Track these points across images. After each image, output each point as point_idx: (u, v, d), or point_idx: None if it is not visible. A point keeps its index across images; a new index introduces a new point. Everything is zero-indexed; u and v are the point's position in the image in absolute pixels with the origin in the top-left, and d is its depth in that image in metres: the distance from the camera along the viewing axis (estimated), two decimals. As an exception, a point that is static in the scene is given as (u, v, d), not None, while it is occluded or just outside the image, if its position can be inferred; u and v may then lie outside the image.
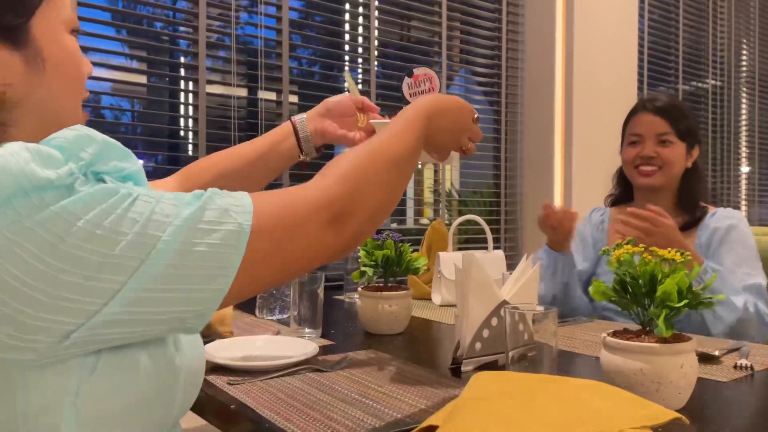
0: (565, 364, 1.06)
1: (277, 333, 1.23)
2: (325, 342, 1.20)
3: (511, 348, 0.85)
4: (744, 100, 4.65)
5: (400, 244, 1.34)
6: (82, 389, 0.51)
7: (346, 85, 1.19)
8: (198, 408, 0.87)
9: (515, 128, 3.16)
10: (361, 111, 1.10)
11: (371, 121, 1.10)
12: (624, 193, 1.71)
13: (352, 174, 0.64)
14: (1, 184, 0.46)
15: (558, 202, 3.05)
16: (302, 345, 1.09)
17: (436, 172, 2.98)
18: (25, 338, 0.48)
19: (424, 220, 3.11)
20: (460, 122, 0.86)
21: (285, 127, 1.07)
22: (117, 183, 0.52)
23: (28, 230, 0.46)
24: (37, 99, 0.61)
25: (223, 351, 1.03)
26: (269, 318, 1.44)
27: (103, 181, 0.52)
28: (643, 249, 0.84)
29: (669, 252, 0.82)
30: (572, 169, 3.01)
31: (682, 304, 0.78)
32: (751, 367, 0.98)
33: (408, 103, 0.98)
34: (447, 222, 2.88)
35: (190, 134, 2.23)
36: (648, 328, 0.84)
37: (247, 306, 1.50)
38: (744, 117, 4.65)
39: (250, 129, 2.32)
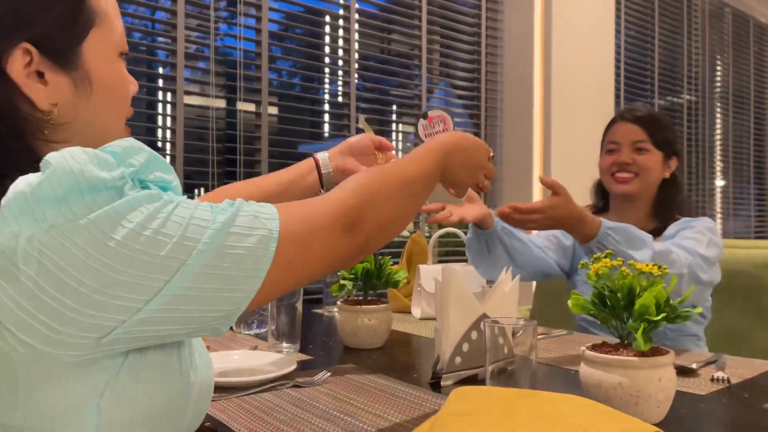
0: (545, 377, 1.06)
1: (255, 348, 1.22)
2: (304, 357, 1.18)
3: (490, 362, 0.85)
4: (718, 115, 4.74)
5: (380, 257, 1.34)
6: (107, 391, 0.53)
7: (360, 124, 1.26)
8: (172, 426, 0.85)
9: (494, 141, 3.18)
10: (379, 150, 1.16)
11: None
12: (603, 203, 1.71)
13: (367, 187, 0.69)
14: (61, 181, 0.49)
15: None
16: (280, 360, 1.08)
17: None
18: (69, 333, 0.50)
19: (404, 232, 3.10)
20: (476, 159, 0.92)
21: (308, 162, 1.12)
22: (160, 191, 0.55)
23: (81, 228, 0.49)
24: (84, 119, 0.64)
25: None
26: (246, 332, 1.42)
27: (148, 188, 0.55)
28: (621, 262, 0.85)
29: (646, 266, 0.82)
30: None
31: (660, 317, 0.78)
32: (728, 380, 0.99)
33: (422, 142, 1.06)
34: (427, 234, 2.88)
35: (168, 145, 2.20)
36: (626, 342, 0.84)
37: (224, 320, 1.47)
38: (719, 131, 4.74)
39: (229, 140, 2.30)
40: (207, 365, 0.67)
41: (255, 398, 0.91)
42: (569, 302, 0.87)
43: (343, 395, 0.93)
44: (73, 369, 0.51)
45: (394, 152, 1.18)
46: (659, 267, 0.82)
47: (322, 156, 1.12)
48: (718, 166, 4.71)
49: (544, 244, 1.65)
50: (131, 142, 0.57)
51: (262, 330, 1.42)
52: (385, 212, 0.69)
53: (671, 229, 1.49)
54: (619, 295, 0.83)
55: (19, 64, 0.59)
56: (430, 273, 1.67)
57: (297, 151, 2.66)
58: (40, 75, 0.61)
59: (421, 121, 1.13)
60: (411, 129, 3.06)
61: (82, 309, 0.49)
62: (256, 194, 1.06)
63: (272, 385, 0.96)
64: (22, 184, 0.50)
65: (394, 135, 3.09)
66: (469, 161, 0.91)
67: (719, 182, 4.73)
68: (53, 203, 0.49)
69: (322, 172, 1.10)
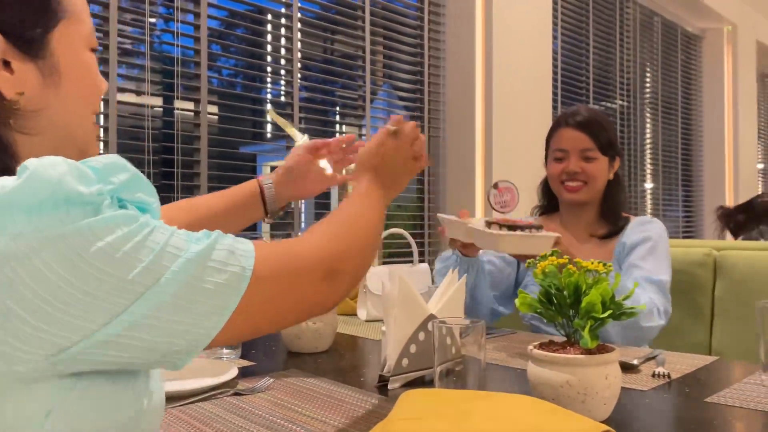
0: (493, 377, 1.05)
1: (193, 355, 1.16)
2: (245, 363, 1.14)
3: (439, 363, 0.83)
4: (648, 121, 4.94)
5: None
6: (54, 412, 0.51)
7: (269, 118, 1.27)
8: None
9: (437, 142, 3.20)
10: (318, 155, 1.13)
11: (440, 216, 1.27)
12: (550, 203, 1.73)
13: (346, 235, 0.71)
14: (36, 189, 0.48)
15: (479, 212, 3.10)
16: (219, 367, 1.03)
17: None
18: (21, 348, 0.47)
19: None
20: (402, 159, 0.94)
21: (252, 187, 1.10)
22: (137, 212, 0.53)
23: (50, 241, 0.47)
24: (53, 110, 0.63)
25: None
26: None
27: (126, 208, 0.53)
28: (567, 260, 0.85)
29: (592, 263, 0.82)
30: (492, 181, 3.07)
31: (606, 314, 0.78)
32: (669, 375, 1.01)
33: (493, 209, 1.27)
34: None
35: (101, 145, 2.10)
36: (573, 339, 0.84)
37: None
38: (648, 136, 4.93)
39: (166, 140, 2.21)
40: (160, 388, 0.64)
41: (193, 408, 0.86)
42: (516, 301, 0.87)
43: (286, 402, 0.90)
44: (20, 385, 0.49)
45: (335, 145, 1.16)
46: (604, 265, 0.82)
47: (266, 183, 1.10)
48: (648, 169, 4.90)
49: (492, 267, 1.65)
50: (114, 159, 0.55)
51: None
52: (359, 260, 0.72)
53: (631, 236, 1.53)
54: (565, 292, 0.83)
55: None
56: (375, 274, 1.65)
57: (238, 151, 2.59)
58: (6, 64, 0.59)
59: (492, 191, 1.29)
60: (354, 130, 3.03)
61: (38, 324, 0.47)
62: (203, 215, 1.04)
63: (211, 393, 0.92)
64: None
65: (337, 136, 3.06)
66: (398, 168, 0.93)
67: (648, 185, 4.92)
68: (25, 211, 0.47)
69: (267, 200, 1.10)
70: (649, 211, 4.92)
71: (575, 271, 0.82)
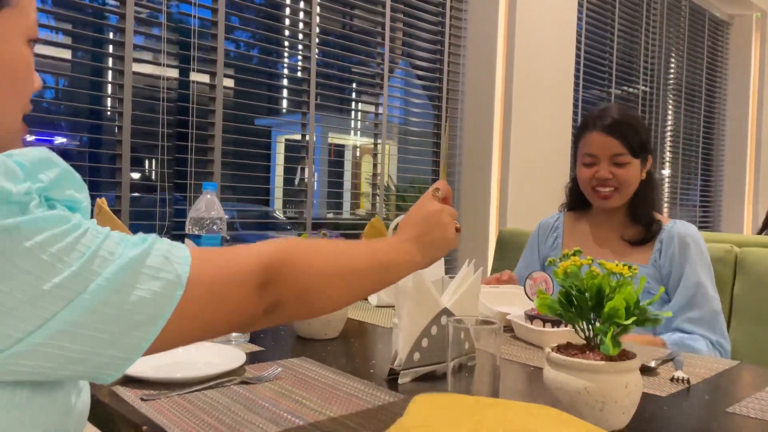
0: (507, 374, 1.03)
1: (201, 337, 1.14)
2: (254, 348, 1.12)
3: (452, 358, 0.81)
4: (671, 107, 4.83)
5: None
6: None
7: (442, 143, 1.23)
8: (104, 428, 0.78)
9: (455, 124, 3.15)
10: None
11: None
12: (577, 200, 1.68)
13: (295, 248, 0.64)
14: None
15: (494, 197, 3.06)
16: (228, 353, 1.01)
17: (375, 165, 2.92)
18: None
19: (361, 212, 3.06)
20: (441, 228, 0.87)
21: None
22: (68, 212, 0.50)
23: None
24: None
25: (138, 361, 0.93)
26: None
27: (54, 207, 0.50)
28: (590, 261, 0.81)
29: (617, 266, 0.79)
30: (509, 164, 3.03)
31: (630, 321, 0.75)
32: (688, 380, 0.98)
33: (531, 300, 1.29)
34: (384, 216, 2.84)
35: (116, 115, 2.07)
36: (593, 344, 0.81)
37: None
38: (670, 123, 4.83)
39: (181, 112, 2.18)
40: (86, 386, 0.62)
41: (198, 396, 0.85)
42: (536, 301, 0.84)
43: (293, 393, 0.88)
44: None
45: None
46: (630, 267, 0.79)
47: None
48: (668, 155, 4.81)
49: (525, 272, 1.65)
50: (43, 153, 0.51)
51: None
52: (308, 281, 0.64)
53: (668, 250, 1.49)
54: (587, 295, 0.79)
55: None
56: (387, 259, 1.62)
57: (253, 126, 2.55)
58: None
59: (528, 282, 1.32)
60: (371, 108, 2.98)
61: None
62: None
63: (218, 381, 0.90)
64: None
65: (353, 114, 3.02)
66: (440, 236, 0.87)
67: (666, 171, 4.84)
68: None
69: None
70: (666, 198, 4.84)
71: (598, 273, 0.79)
